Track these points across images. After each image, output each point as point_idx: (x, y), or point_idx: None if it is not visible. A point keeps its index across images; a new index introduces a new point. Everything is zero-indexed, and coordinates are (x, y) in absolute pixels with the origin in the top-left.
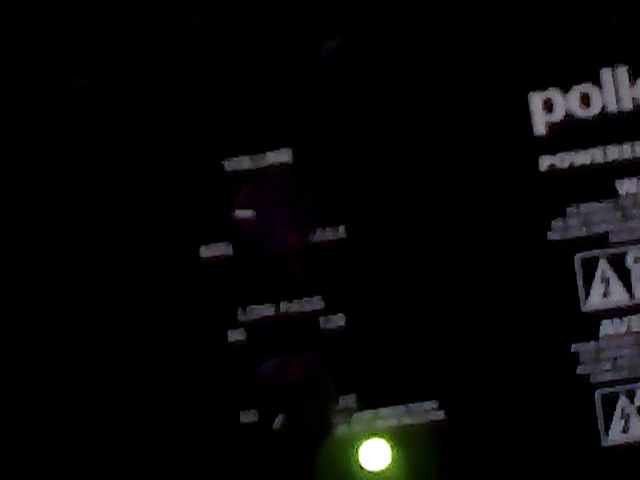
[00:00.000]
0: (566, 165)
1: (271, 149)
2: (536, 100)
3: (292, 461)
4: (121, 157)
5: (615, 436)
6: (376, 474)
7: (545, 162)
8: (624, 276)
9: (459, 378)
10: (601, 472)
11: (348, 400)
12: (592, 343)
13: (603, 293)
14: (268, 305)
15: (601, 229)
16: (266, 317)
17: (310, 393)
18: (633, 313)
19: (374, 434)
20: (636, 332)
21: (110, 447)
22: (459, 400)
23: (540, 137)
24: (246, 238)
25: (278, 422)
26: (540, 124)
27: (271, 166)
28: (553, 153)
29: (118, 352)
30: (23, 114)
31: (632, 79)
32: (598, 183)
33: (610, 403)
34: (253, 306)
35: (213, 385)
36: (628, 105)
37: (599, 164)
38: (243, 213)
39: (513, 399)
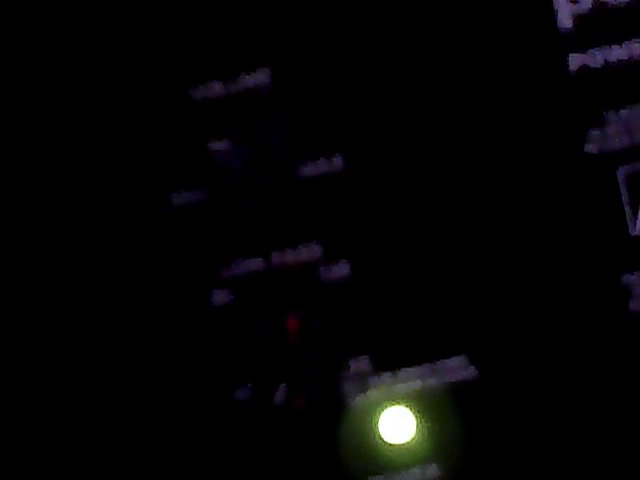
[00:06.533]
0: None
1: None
2: None
3: (305, 437)
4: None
5: None
6: (400, 447)
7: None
8: None
9: (491, 326)
10: None
11: (360, 363)
12: None
13: None
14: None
15: None
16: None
17: (313, 358)
18: None
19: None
20: None
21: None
22: (492, 353)
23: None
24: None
25: (279, 396)
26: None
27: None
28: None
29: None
30: None
31: None
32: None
33: None
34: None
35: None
36: None
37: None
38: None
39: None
